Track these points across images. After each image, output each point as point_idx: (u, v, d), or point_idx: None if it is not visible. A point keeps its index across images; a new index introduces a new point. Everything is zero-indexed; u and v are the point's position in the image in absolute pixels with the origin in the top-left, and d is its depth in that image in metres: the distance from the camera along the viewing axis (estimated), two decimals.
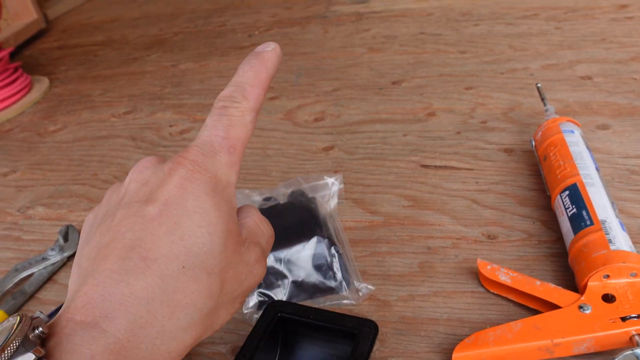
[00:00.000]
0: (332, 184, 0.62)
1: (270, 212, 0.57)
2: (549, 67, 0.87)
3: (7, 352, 0.21)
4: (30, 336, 0.22)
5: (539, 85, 0.72)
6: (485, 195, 0.62)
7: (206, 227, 0.26)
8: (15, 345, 0.21)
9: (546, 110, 0.68)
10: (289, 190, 0.62)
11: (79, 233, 0.68)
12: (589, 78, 0.83)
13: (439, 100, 0.81)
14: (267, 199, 0.61)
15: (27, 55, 1.41)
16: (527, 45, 0.95)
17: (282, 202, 0.60)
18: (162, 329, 0.24)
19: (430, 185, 0.65)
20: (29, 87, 1.15)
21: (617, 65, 0.86)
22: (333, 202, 0.61)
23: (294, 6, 1.32)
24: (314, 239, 0.52)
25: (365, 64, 0.96)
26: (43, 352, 0.22)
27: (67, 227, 0.68)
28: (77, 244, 0.66)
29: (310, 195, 0.61)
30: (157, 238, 0.25)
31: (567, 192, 0.54)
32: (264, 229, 0.33)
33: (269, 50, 0.33)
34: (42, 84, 1.17)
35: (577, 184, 0.54)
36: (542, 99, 0.70)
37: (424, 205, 0.62)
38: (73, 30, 1.52)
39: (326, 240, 0.52)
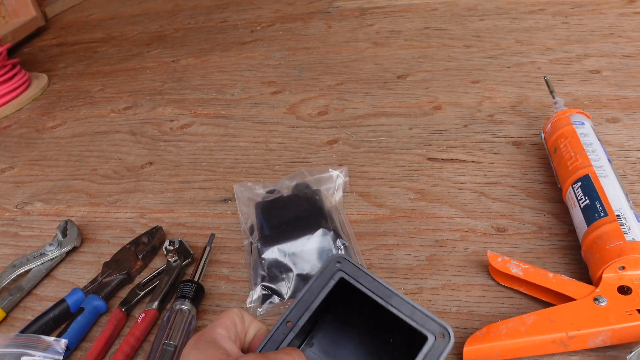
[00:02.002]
0: (337, 177, 0.60)
1: (274, 204, 0.56)
2: (557, 61, 0.86)
3: None
4: None
5: (548, 78, 0.70)
6: (494, 188, 0.60)
7: None
8: None
9: (555, 103, 0.67)
10: (293, 183, 0.60)
11: (78, 228, 0.66)
12: (598, 72, 0.81)
13: (445, 94, 0.80)
14: (270, 192, 0.59)
15: (26, 52, 1.40)
16: (533, 39, 0.94)
17: (285, 194, 0.59)
18: None
19: (437, 178, 0.63)
20: (27, 84, 1.13)
21: (625, 59, 0.84)
22: (338, 195, 0.60)
23: (297, 1, 1.30)
24: (319, 231, 0.51)
25: (369, 58, 0.95)
26: None
27: (66, 222, 0.66)
28: (76, 239, 0.64)
29: (314, 187, 0.59)
30: None
31: (579, 184, 0.52)
32: None
33: None
34: (40, 81, 1.16)
35: (590, 175, 0.52)
36: (551, 92, 0.69)
37: (431, 198, 0.60)
38: (72, 27, 1.51)
39: (332, 232, 0.51)
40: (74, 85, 1.10)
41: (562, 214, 0.56)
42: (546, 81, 0.70)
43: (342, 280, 0.37)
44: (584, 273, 0.48)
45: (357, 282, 0.37)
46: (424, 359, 0.34)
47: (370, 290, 0.37)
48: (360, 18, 1.13)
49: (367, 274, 0.37)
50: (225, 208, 0.64)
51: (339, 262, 0.37)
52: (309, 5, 1.26)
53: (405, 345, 0.37)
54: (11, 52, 1.25)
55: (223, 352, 0.34)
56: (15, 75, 1.11)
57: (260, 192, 0.60)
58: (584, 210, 0.50)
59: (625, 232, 0.46)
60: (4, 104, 1.07)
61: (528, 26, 1.00)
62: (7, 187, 0.80)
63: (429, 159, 0.66)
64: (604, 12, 1.03)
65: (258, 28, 1.19)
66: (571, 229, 0.53)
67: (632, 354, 0.39)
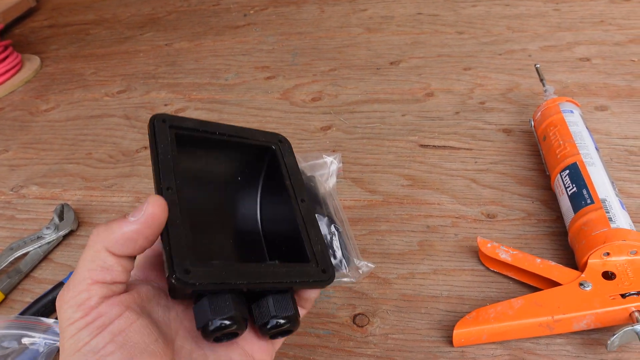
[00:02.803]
0: (331, 163, 0.62)
1: None
2: (548, 49, 0.87)
3: None
4: None
5: (538, 66, 0.71)
6: (485, 175, 0.62)
7: None
8: None
9: (545, 91, 0.68)
10: None
11: (75, 212, 0.67)
12: (588, 60, 0.83)
13: (437, 81, 0.81)
14: None
15: (17, 33, 1.38)
16: (525, 26, 0.95)
17: None
18: None
19: (429, 164, 0.64)
20: (19, 66, 1.13)
21: (615, 47, 0.86)
22: (332, 181, 0.61)
23: None
24: None
25: (362, 44, 0.95)
26: None
27: (62, 205, 0.67)
28: (73, 223, 0.65)
29: (309, 174, 0.60)
30: None
31: (567, 171, 0.54)
32: None
33: None
34: (33, 63, 1.15)
35: (577, 163, 0.54)
36: (541, 80, 0.70)
37: (423, 184, 0.61)
38: (63, 8, 1.50)
39: (326, 218, 0.52)
40: (66, 68, 1.10)
41: (550, 200, 0.57)
42: (537, 69, 0.72)
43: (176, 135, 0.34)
44: (571, 259, 0.50)
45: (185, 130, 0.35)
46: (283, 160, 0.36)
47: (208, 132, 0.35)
48: (354, 3, 1.13)
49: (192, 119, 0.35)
50: None
51: (164, 121, 0.34)
52: None
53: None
54: (2, 33, 1.24)
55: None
56: (7, 57, 1.11)
57: None
58: (571, 197, 0.51)
59: (610, 219, 0.47)
60: None
61: (519, 13, 1.00)
62: (2, 170, 0.80)
63: (421, 145, 0.68)
64: None
65: (251, 12, 1.18)
66: (559, 216, 0.55)
67: (614, 337, 0.40)
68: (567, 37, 0.90)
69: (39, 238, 0.64)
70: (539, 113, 0.63)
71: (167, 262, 0.28)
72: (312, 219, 0.35)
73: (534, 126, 0.64)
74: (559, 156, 0.56)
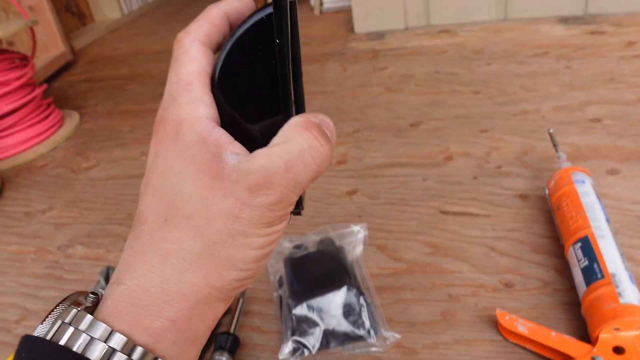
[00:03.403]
0: (358, 232, 0.66)
1: (302, 260, 0.62)
2: (560, 109, 0.91)
3: (55, 311, 0.28)
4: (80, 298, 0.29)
5: (551, 131, 0.76)
6: (502, 242, 0.66)
7: (173, 179, 0.29)
8: (62, 306, 0.28)
9: (558, 157, 0.72)
10: (318, 238, 0.66)
11: None
12: (599, 120, 0.87)
13: (455, 144, 0.86)
14: (297, 247, 0.65)
15: (56, 87, 1.47)
16: (538, 85, 1.00)
17: (312, 249, 0.65)
18: (163, 274, 0.28)
19: (449, 231, 0.69)
20: (60, 122, 1.20)
21: (625, 106, 0.90)
22: (359, 249, 0.66)
23: (312, 41, 1.37)
24: (344, 288, 0.57)
25: (383, 104, 1.01)
26: (81, 307, 0.28)
27: (108, 268, 0.73)
28: None
29: (338, 242, 0.65)
30: (145, 204, 0.30)
31: (579, 244, 0.58)
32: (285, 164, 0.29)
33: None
34: (72, 119, 1.23)
35: (589, 236, 0.58)
36: (554, 145, 0.75)
37: (444, 252, 0.66)
38: (98, 62, 1.58)
39: (355, 289, 0.57)
40: (104, 125, 1.17)
41: (564, 269, 0.61)
42: (550, 134, 0.76)
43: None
44: (585, 329, 0.54)
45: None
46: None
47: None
48: (374, 60, 1.19)
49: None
50: None
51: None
52: (325, 46, 1.32)
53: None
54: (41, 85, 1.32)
55: (217, 157, 0.28)
56: (50, 114, 1.18)
57: (287, 245, 0.66)
58: (583, 271, 0.55)
59: (619, 294, 0.51)
60: (39, 142, 1.14)
61: (532, 71, 1.05)
62: (48, 229, 0.86)
63: (442, 212, 0.72)
64: (605, 55, 1.09)
65: None
66: (572, 285, 0.59)
67: None
68: (578, 97, 0.94)
69: None
70: (553, 182, 0.68)
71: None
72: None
73: (549, 194, 0.68)
74: (571, 228, 0.60)
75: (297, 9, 0.32)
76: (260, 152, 0.29)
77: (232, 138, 0.29)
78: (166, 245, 0.28)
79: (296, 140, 0.29)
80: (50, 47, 1.60)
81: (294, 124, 0.30)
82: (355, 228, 0.67)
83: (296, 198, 0.29)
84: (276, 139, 0.29)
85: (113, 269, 0.73)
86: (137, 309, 0.27)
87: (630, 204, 0.70)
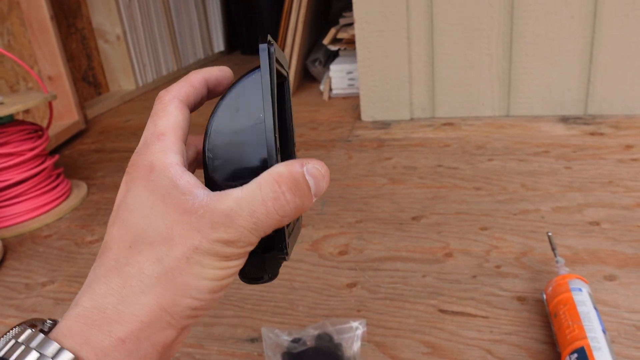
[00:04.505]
0: (357, 328, 0.67)
1: (301, 357, 0.62)
2: (559, 210, 0.93)
3: (11, 332, 0.31)
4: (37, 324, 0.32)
5: (550, 234, 0.78)
6: (499, 346, 0.66)
7: (144, 212, 0.32)
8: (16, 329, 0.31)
9: (557, 262, 0.73)
10: (317, 333, 0.66)
11: None
12: (597, 224, 0.89)
13: (455, 240, 0.87)
14: (295, 341, 0.66)
15: (66, 155, 1.50)
16: (538, 184, 1.02)
17: (310, 344, 0.65)
18: (121, 296, 0.30)
19: (447, 331, 0.69)
20: (68, 193, 1.23)
21: (623, 211, 0.92)
22: (356, 346, 0.66)
23: (320, 127, 1.41)
24: None
25: (386, 195, 1.03)
26: (36, 328, 0.31)
27: None
28: None
29: (336, 338, 0.65)
30: (112, 235, 0.33)
31: (575, 355, 0.58)
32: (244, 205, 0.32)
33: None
34: (80, 190, 1.25)
35: (585, 347, 0.58)
36: (553, 249, 0.76)
37: (442, 353, 0.66)
38: (110, 133, 1.63)
39: None
40: (111, 198, 1.19)
41: None
42: (549, 237, 0.77)
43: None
44: None
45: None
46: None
47: None
48: (379, 150, 1.23)
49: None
50: (252, 349, 0.70)
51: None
52: (332, 131, 1.37)
53: None
54: (52, 153, 1.35)
55: (188, 196, 0.31)
56: (58, 185, 1.21)
57: (285, 338, 0.66)
58: None
59: None
60: (45, 212, 1.16)
61: (533, 169, 1.08)
62: (47, 303, 0.87)
63: (440, 310, 0.73)
64: (604, 157, 1.12)
65: None
66: None
67: None
68: (577, 198, 0.97)
69: None
70: (550, 288, 0.69)
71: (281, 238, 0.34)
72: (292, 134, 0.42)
73: (546, 300, 0.69)
74: (568, 337, 0.61)
75: (289, 86, 0.39)
76: (231, 194, 0.32)
77: (201, 182, 0.33)
78: (127, 269, 0.31)
79: (264, 190, 0.32)
80: (65, 116, 1.65)
81: (270, 172, 0.32)
82: (354, 324, 0.67)
83: (255, 240, 0.32)
84: (250, 183, 0.32)
85: None
86: (89, 329, 0.30)
87: (627, 312, 0.70)
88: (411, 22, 1.34)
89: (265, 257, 0.36)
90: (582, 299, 0.65)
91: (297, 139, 1.36)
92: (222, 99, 0.35)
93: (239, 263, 0.33)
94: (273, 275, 0.37)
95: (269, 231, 0.33)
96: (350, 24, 1.70)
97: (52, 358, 0.28)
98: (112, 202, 1.17)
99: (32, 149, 1.14)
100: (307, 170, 0.33)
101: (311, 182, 0.33)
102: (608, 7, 1.25)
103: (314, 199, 0.34)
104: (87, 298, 0.31)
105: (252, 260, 0.35)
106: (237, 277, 0.35)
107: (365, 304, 0.75)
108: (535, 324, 0.69)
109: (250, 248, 0.33)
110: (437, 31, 1.34)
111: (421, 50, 1.36)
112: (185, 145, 0.36)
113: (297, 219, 0.41)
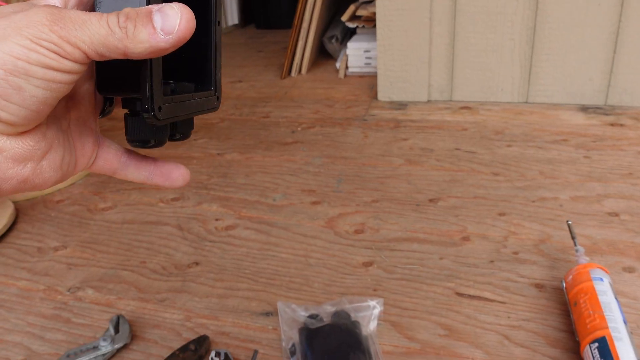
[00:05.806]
0: (374, 307, 0.66)
1: (317, 332, 0.61)
2: (578, 199, 0.92)
3: None
4: None
5: (570, 222, 0.77)
6: (517, 332, 0.66)
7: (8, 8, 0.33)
8: None
9: (576, 251, 0.73)
10: (334, 309, 0.66)
11: (129, 324, 0.72)
12: (616, 215, 0.88)
13: (473, 224, 0.86)
14: (312, 316, 0.65)
15: None
16: (557, 173, 1.01)
17: (326, 320, 0.64)
18: None
19: (464, 315, 0.69)
20: None
21: None
22: (373, 324, 0.65)
23: (335, 104, 1.40)
24: None
25: (403, 176, 1.02)
26: None
27: (118, 317, 0.72)
28: (128, 336, 0.70)
29: (353, 316, 0.65)
30: None
31: (596, 344, 0.58)
32: None
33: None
34: None
35: (606, 337, 0.57)
36: (573, 238, 0.75)
37: (458, 336, 0.65)
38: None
39: None
40: None
41: None
42: (569, 226, 0.77)
43: None
44: None
45: None
46: None
47: None
48: (395, 130, 1.22)
49: None
50: (267, 322, 0.70)
51: None
52: (347, 110, 1.35)
53: None
54: None
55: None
56: None
57: (302, 314, 0.66)
58: None
59: None
60: None
61: (552, 157, 1.07)
62: (59, 268, 0.86)
63: (457, 293, 0.72)
64: (623, 148, 1.11)
65: (299, 129, 1.27)
66: None
67: None
68: (597, 189, 0.96)
69: (95, 348, 0.69)
70: (570, 277, 0.68)
71: (144, 94, 0.33)
72: (220, 44, 0.39)
73: (566, 288, 0.68)
74: (588, 326, 0.60)
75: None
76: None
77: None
78: None
79: (110, 15, 0.32)
80: None
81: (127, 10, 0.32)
82: (372, 303, 0.67)
83: (69, 48, 0.31)
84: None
85: (124, 317, 0.72)
86: None
87: None
88: (434, 2, 1.32)
89: (139, 118, 0.36)
90: (604, 289, 0.64)
91: (313, 115, 1.35)
92: None
93: (66, 79, 0.32)
94: (159, 142, 0.38)
95: (105, 52, 0.32)
96: (370, 1, 1.67)
97: None
98: None
99: None
100: (158, 8, 0.32)
101: (158, 17, 0.32)
102: None
103: (162, 35, 0.32)
104: None
105: (131, 121, 0.36)
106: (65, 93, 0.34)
107: (381, 283, 0.75)
108: (554, 312, 0.69)
109: (78, 68, 0.32)
110: (460, 13, 1.32)
111: (443, 32, 1.34)
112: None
113: (191, 95, 0.39)
